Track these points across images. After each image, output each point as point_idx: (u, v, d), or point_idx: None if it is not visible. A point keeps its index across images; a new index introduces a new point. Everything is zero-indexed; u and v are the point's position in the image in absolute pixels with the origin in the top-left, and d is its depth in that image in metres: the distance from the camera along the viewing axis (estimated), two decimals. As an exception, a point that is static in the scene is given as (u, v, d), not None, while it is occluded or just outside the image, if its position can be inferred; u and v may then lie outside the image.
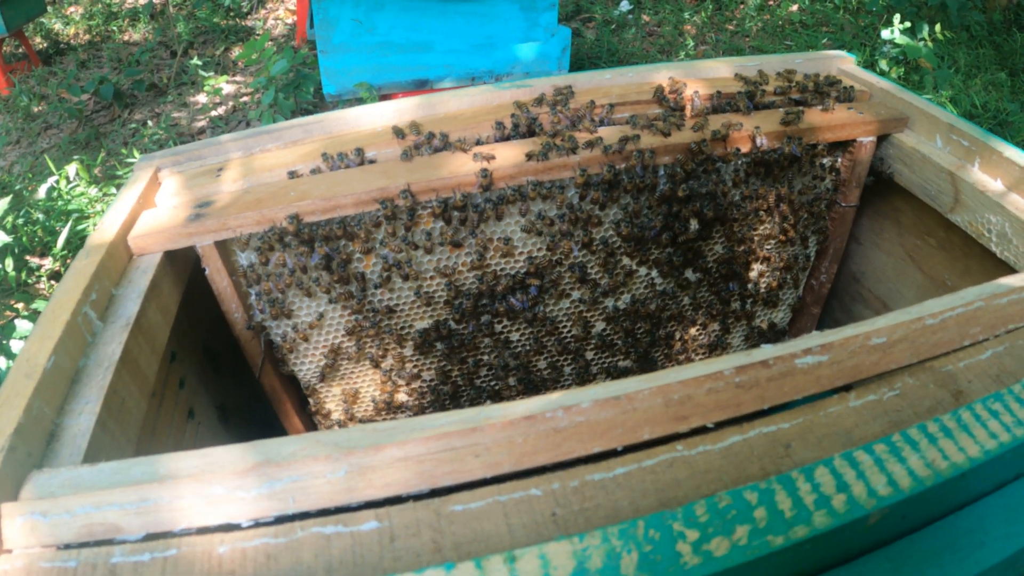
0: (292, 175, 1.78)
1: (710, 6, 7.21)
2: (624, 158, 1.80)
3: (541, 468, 1.02)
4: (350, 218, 1.71)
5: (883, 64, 5.56)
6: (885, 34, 5.63)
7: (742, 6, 7.23)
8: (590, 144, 1.78)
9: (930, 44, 5.76)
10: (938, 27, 5.84)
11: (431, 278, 1.86)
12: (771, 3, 7.28)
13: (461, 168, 1.73)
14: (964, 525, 1.05)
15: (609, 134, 1.84)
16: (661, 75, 2.11)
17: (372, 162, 1.82)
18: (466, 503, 0.95)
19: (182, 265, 1.74)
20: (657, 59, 6.27)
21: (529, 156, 1.75)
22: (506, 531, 0.92)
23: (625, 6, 7.22)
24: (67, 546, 0.97)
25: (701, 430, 1.07)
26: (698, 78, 2.11)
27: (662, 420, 1.06)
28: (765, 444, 1.04)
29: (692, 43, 6.45)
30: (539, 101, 1.97)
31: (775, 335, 2.39)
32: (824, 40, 6.31)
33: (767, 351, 1.14)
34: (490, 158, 1.74)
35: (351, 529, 0.93)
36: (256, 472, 0.98)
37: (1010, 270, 1.67)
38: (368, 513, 0.95)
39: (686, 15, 7.03)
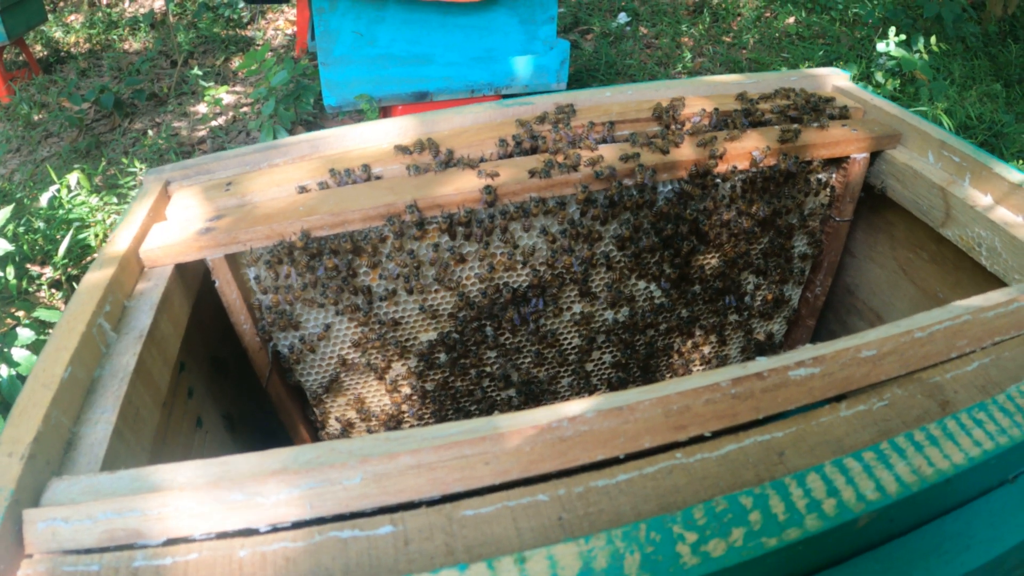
0: (301, 190, 1.81)
1: (707, 18, 7.25)
2: (625, 174, 1.84)
3: (548, 475, 1.06)
4: (358, 233, 1.75)
5: (879, 76, 5.60)
6: (881, 46, 5.66)
7: (739, 18, 7.27)
8: (591, 162, 1.82)
9: (925, 56, 5.80)
10: (933, 39, 5.88)
11: (436, 291, 1.90)
12: (768, 15, 7.33)
13: (466, 184, 1.77)
14: (950, 529, 1.09)
15: (610, 152, 1.89)
16: (660, 93, 2.16)
17: (378, 178, 1.86)
18: (477, 508, 1.00)
19: (192, 277, 1.77)
20: (655, 71, 6.30)
21: (532, 173, 1.79)
22: (515, 534, 0.96)
23: (623, 18, 7.26)
24: (89, 551, 1.00)
25: (699, 439, 1.11)
26: (696, 95, 2.15)
27: (662, 429, 1.10)
28: (760, 452, 1.08)
29: (689, 55, 6.49)
30: (541, 119, 2.01)
31: (771, 347, 2.43)
32: (820, 52, 6.36)
33: (762, 363, 1.18)
34: (494, 175, 1.78)
35: (367, 533, 0.97)
36: (275, 479, 1.02)
37: (1000, 283, 1.71)
38: (383, 518, 0.99)
39: (683, 27, 7.07)
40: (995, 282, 1.73)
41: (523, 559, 0.86)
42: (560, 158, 1.84)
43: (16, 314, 3.61)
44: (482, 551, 0.94)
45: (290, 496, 1.01)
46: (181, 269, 1.70)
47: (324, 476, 1.02)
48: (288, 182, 1.83)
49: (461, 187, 1.76)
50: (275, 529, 1.01)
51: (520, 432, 1.06)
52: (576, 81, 5.96)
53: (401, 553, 0.94)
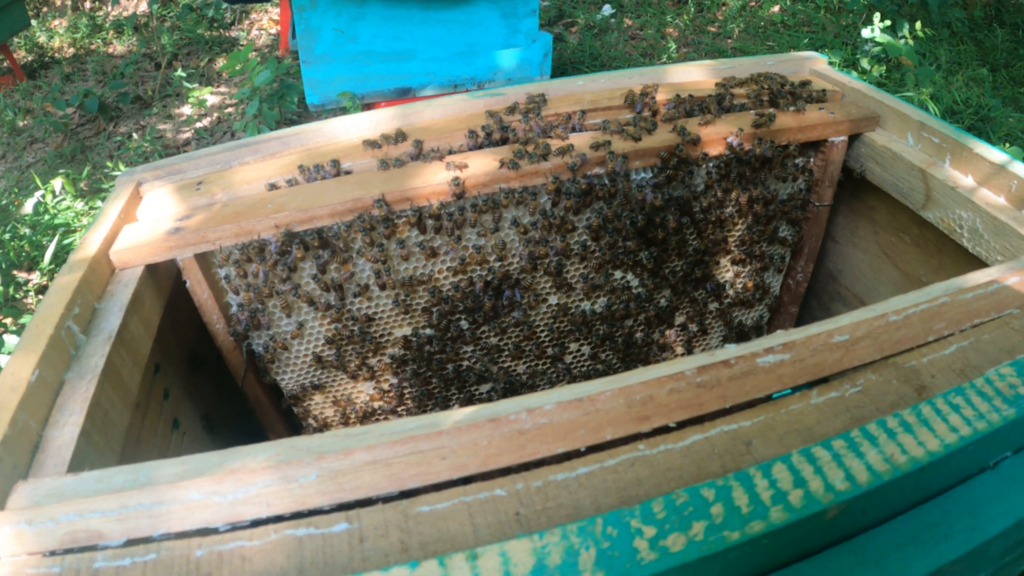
0: (271, 187, 1.79)
1: (692, 8, 7.23)
2: (596, 162, 1.82)
3: (506, 469, 1.04)
4: (327, 228, 1.73)
5: (865, 63, 5.58)
6: (866, 33, 5.64)
7: (724, 8, 7.25)
8: (561, 151, 1.80)
9: (911, 42, 5.78)
10: (919, 24, 5.87)
11: (408, 285, 1.88)
12: (753, 4, 7.30)
13: (434, 177, 1.75)
14: (927, 518, 1.06)
15: (581, 140, 1.87)
16: (633, 80, 2.14)
17: (348, 173, 1.84)
18: (433, 504, 0.98)
19: (164, 278, 1.75)
20: (640, 62, 6.28)
21: (501, 164, 1.77)
22: (471, 531, 0.94)
23: (607, 10, 7.24)
24: (52, 553, 0.99)
25: (663, 429, 1.09)
26: (670, 82, 2.14)
27: (624, 420, 1.08)
28: (726, 442, 1.06)
29: (674, 46, 6.47)
30: (512, 109, 1.99)
31: (753, 335, 2.41)
32: (805, 40, 6.34)
33: (730, 351, 1.16)
34: (463, 166, 1.76)
35: (322, 531, 0.95)
36: (232, 478, 1.01)
37: (982, 265, 1.69)
38: (339, 515, 0.97)
39: (668, 18, 7.04)
40: (978, 264, 1.71)
41: (475, 556, 0.84)
42: (530, 148, 1.82)
43: (3, 321, 3.60)
44: (437, 548, 0.92)
45: (247, 494, 1.00)
46: (152, 270, 1.69)
47: (281, 474, 1.01)
48: (258, 180, 1.81)
49: (429, 180, 1.74)
50: (233, 528, 1.00)
51: (477, 426, 1.04)
52: (560, 74, 5.93)
53: (356, 551, 0.92)
